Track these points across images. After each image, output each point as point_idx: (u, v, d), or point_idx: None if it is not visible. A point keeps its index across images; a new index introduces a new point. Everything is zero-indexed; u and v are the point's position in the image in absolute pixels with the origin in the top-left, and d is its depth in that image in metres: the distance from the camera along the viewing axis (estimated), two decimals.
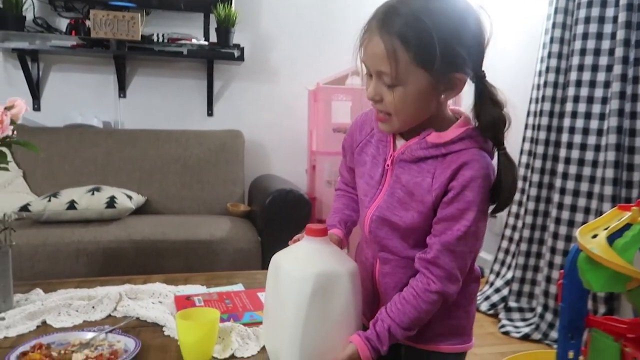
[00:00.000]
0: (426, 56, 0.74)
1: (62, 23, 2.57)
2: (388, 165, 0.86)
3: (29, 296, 1.20)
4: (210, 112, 2.82)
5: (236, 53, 2.64)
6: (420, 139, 0.82)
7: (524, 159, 2.34)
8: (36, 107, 2.62)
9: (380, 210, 0.85)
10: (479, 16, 0.78)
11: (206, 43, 2.62)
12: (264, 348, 0.95)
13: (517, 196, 2.39)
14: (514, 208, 2.40)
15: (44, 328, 1.04)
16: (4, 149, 1.12)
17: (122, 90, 2.70)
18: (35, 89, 2.59)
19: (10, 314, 1.08)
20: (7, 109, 1.10)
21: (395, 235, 0.85)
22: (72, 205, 2.02)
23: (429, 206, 0.81)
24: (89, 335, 0.97)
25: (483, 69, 0.80)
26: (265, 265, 0.92)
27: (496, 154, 0.82)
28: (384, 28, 0.75)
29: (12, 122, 1.10)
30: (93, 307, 1.13)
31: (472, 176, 0.77)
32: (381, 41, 0.75)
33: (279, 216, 2.06)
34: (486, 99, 0.80)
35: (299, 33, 2.87)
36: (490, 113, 0.79)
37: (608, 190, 1.88)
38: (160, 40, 2.55)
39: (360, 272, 0.87)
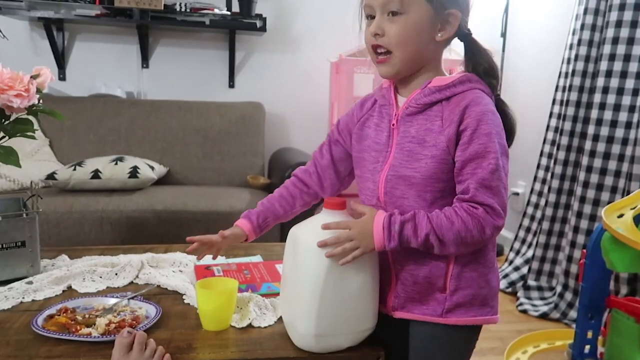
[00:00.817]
0: None
1: None
2: (394, 125, 0.87)
3: (55, 262, 1.24)
4: (231, 84, 2.82)
5: (258, 23, 2.61)
6: (422, 88, 0.85)
7: (550, 135, 2.28)
8: (61, 76, 2.65)
9: (394, 169, 0.84)
10: None
11: (228, 13, 2.60)
12: (281, 319, 0.96)
13: (540, 174, 2.34)
14: (537, 186, 2.35)
15: (69, 293, 1.08)
16: (31, 117, 1.14)
17: (144, 60, 2.71)
18: (60, 59, 2.62)
19: (37, 278, 1.12)
20: (34, 77, 1.12)
21: (411, 191, 0.83)
22: (96, 174, 2.06)
23: (443, 147, 0.80)
24: (112, 301, 1.00)
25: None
26: (283, 238, 0.92)
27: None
28: None
29: (38, 90, 1.12)
30: (116, 274, 1.16)
31: (482, 110, 0.79)
32: None
33: None
34: (477, 50, 0.87)
35: (322, 3, 2.82)
36: (485, 60, 0.86)
37: (637, 169, 1.82)
38: (183, 9, 2.54)
39: None
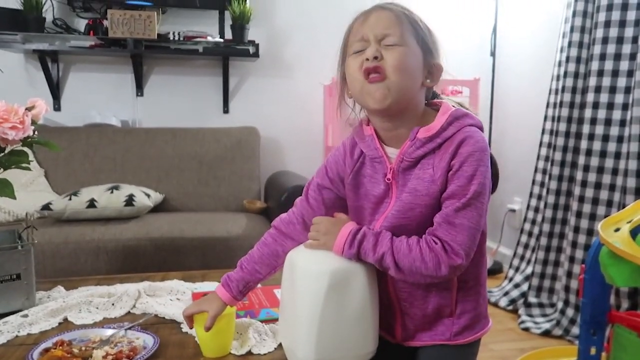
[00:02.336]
0: (423, 35, 0.83)
1: (81, 24, 2.60)
2: (389, 180, 0.84)
3: (51, 293, 1.23)
4: (226, 109, 2.84)
5: (251, 49, 2.65)
6: (411, 141, 0.82)
7: (544, 151, 2.30)
8: (56, 107, 2.66)
9: (388, 220, 0.84)
10: None
11: (221, 40, 2.63)
12: (280, 345, 0.95)
13: (536, 190, 2.35)
14: (533, 202, 2.36)
15: (66, 325, 1.06)
16: (26, 149, 1.14)
17: (139, 89, 2.73)
18: (55, 89, 2.63)
19: (33, 311, 1.10)
20: (28, 109, 1.12)
21: (406, 234, 0.83)
22: (92, 203, 2.05)
23: (436, 196, 0.81)
24: (108, 332, 0.99)
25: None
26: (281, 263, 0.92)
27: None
28: (388, 5, 0.84)
29: (33, 122, 1.12)
30: (113, 304, 1.14)
31: (469, 151, 0.79)
32: (388, 10, 0.83)
33: None
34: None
35: (314, 28, 2.87)
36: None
37: (631, 182, 1.83)
38: (176, 38, 2.57)
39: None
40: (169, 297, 1.21)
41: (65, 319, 1.08)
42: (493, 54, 2.73)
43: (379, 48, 0.81)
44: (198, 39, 2.59)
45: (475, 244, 0.80)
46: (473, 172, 0.78)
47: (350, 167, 0.91)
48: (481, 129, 0.84)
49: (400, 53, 0.80)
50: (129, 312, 1.12)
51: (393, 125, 0.84)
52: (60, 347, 0.92)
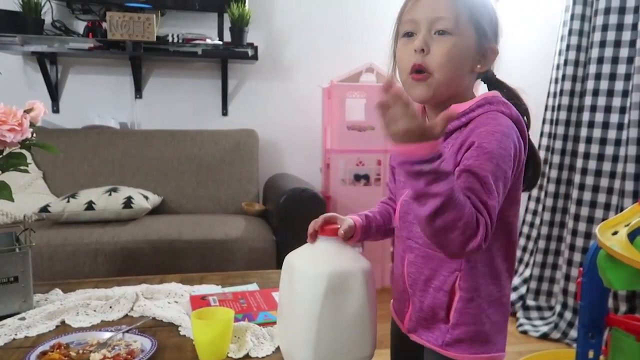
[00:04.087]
0: (480, 18, 0.80)
1: (80, 26, 2.61)
2: None
3: (48, 296, 1.22)
4: (224, 112, 2.84)
5: (250, 52, 2.65)
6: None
7: (542, 154, 2.30)
8: (55, 109, 2.66)
9: (409, 194, 0.82)
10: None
11: (220, 43, 2.64)
12: (278, 348, 0.95)
13: (534, 192, 2.35)
14: (532, 204, 2.36)
15: (63, 328, 1.06)
16: (24, 151, 1.14)
17: (138, 91, 2.73)
18: (54, 91, 2.63)
19: (30, 314, 1.10)
20: (27, 111, 1.12)
21: None
22: (90, 205, 2.05)
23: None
24: (106, 335, 0.99)
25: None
26: (280, 265, 0.91)
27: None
28: None
29: (32, 124, 1.12)
30: (110, 307, 1.14)
31: (489, 130, 0.74)
32: None
33: (293, 215, 2.06)
34: (508, 89, 0.87)
35: (313, 31, 2.87)
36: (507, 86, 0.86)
37: (629, 185, 1.84)
38: (175, 40, 2.57)
39: (395, 272, 0.89)
40: (167, 300, 1.20)
41: (63, 322, 1.08)
42: None
43: (428, 38, 0.78)
44: (197, 42, 2.59)
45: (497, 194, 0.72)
46: (491, 149, 0.72)
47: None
48: (516, 121, 0.79)
49: (449, 45, 0.77)
50: (127, 315, 1.12)
51: (437, 109, 0.83)
52: (58, 350, 0.91)
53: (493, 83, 0.87)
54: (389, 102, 0.65)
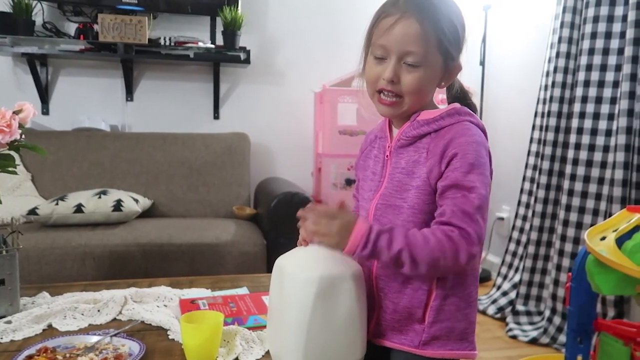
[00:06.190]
0: (448, 42, 0.83)
1: (71, 27, 2.59)
2: (387, 157, 0.89)
3: (35, 299, 1.21)
4: (216, 115, 2.83)
5: (242, 56, 2.65)
6: (411, 121, 0.87)
7: (532, 160, 2.32)
8: (45, 111, 2.64)
9: (383, 198, 0.87)
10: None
11: (212, 46, 2.63)
12: (268, 352, 0.94)
13: (524, 198, 2.36)
14: (522, 210, 2.38)
15: (50, 331, 1.05)
16: (13, 153, 1.12)
17: (129, 93, 2.72)
18: (44, 93, 2.61)
19: (16, 317, 1.09)
20: (16, 112, 1.11)
21: (398, 221, 0.84)
22: (79, 208, 2.03)
23: (424, 178, 0.82)
24: (94, 338, 0.98)
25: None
26: (270, 269, 0.91)
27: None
28: (421, 12, 0.81)
29: (21, 126, 1.11)
30: (98, 311, 1.13)
31: (467, 141, 0.80)
32: (416, 22, 0.81)
33: (284, 219, 2.06)
34: (463, 91, 0.92)
35: (305, 35, 2.88)
36: (467, 103, 0.90)
37: (617, 191, 1.85)
38: (167, 43, 2.56)
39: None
40: (156, 303, 1.19)
41: (50, 326, 1.07)
42: (482, 63, 2.76)
43: (398, 68, 0.83)
44: (189, 45, 2.59)
45: (485, 234, 0.79)
46: (474, 161, 0.79)
47: (362, 150, 0.98)
48: (482, 130, 0.86)
49: (418, 76, 0.82)
50: (115, 318, 1.11)
51: (402, 119, 0.89)
52: (44, 354, 0.90)
53: (453, 88, 0.93)
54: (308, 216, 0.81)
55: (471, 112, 0.87)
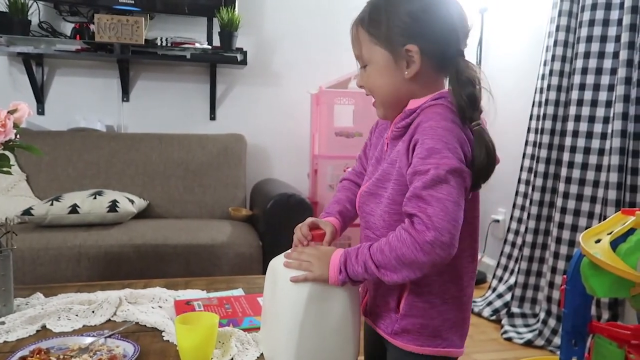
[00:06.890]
0: (387, 33, 0.82)
1: (67, 27, 2.58)
2: (386, 149, 0.89)
3: (29, 300, 1.20)
4: (212, 116, 2.82)
5: (239, 57, 2.65)
6: (401, 112, 0.86)
7: (527, 162, 2.33)
8: (40, 111, 2.63)
9: (369, 186, 0.87)
10: None
11: (209, 47, 2.63)
12: (263, 354, 0.94)
13: (519, 201, 2.37)
14: (517, 213, 2.38)
15: (44, 332, 1.04)
16: (7, 153, 1.12)
17: (125, 94, 2.71)
18: (39, 93, 2.60)
19: (10, 318, 1.08)
20: (11, 112, 1.11)
21: (378, 210, 0.85)
22: (74, 209, 2.02)
23: (400, 170, 0.81)
24: (88, 340, 0.97)
25: (461, 50, 0.86)
26: (266, 270, 0.91)
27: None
28: (359, 15, 0.86)
29: (16, 125, 1.11)
30: (93, 312, 1.12)
31: (432, 125, 0.77)
32: (353, 27, 0.86)
33: (280, 221, 2.06)
34: (458, 81, 0.81)
35: (302, 37, 2.88)
36: (465, 92, 0.80)
37: (612, 194, 1.86)
38: (164, 44, 2.56)
39: None
40: (151, 304, 1.19)
41: (44, 327, 1.06)
42: (478, 65, 2.78)
43: (362, 73, 0.87)
44: (186, 45, 2.58)
45: (457, 221, 0.72)
46: (434, 145, 0.74)
47: (379, 125, 0.97)
48: (459, 120, 0.79)
49: (370, 75, 0.85)
50: (110, 319, 1.10)
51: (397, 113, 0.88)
52: (38, 356, 0.90)
53: (451, 73, 0.83)
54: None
55: (454, 105, 0.80)
